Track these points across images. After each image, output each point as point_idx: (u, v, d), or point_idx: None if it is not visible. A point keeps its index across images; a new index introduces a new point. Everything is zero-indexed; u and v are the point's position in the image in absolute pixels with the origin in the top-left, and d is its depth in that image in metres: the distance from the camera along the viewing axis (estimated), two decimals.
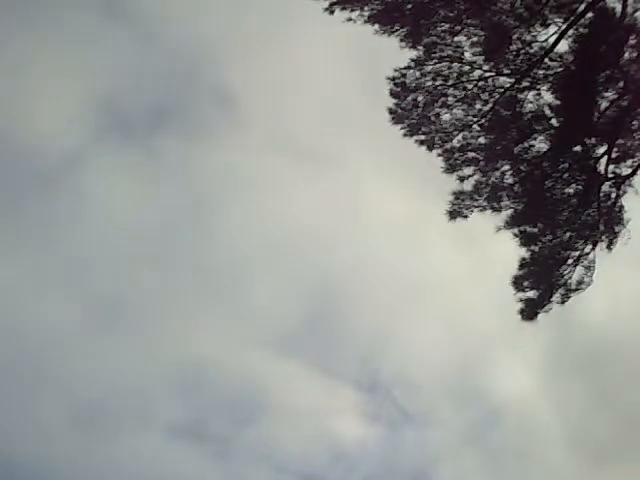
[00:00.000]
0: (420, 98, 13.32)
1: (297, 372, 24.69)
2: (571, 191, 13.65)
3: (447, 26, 12.98)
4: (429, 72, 13.20)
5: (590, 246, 13.80)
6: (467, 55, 13.09)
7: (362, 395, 25.30)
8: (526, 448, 24.62)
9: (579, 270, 13.91)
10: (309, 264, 25.09)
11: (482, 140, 13.61)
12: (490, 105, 13.32)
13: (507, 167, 13.66)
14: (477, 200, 13.71)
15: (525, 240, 13.79)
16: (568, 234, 13.85)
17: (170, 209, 23.91)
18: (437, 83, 13.25)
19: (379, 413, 25.32)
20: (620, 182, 13.41)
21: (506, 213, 13.72)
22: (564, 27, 12.65)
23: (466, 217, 13.71)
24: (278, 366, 24.53)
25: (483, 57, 13.05)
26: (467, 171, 13.67)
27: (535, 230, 13.87)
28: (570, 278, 13.91)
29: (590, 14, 12.51)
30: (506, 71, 13.13)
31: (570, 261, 13.89)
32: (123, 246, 23.16)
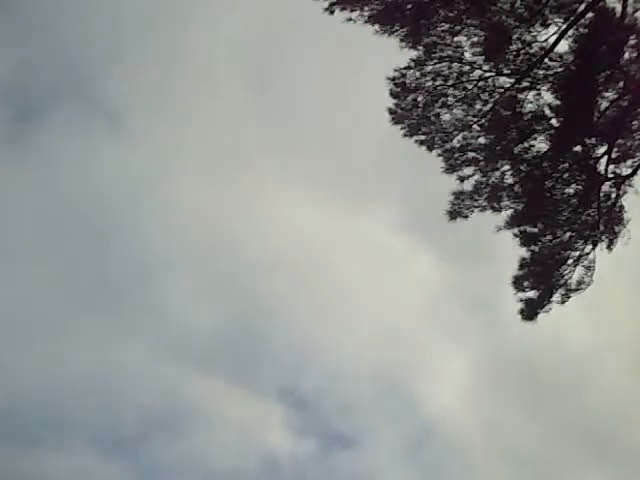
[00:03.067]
0: (420, 98, 13.32)
1: (220, 387, 24.42)
2: (571, 191, 13.66)
3: (447, 26, 12.98)
4: (429, 72, 13.20)
5: (590, 246, 13.81)
6: (467, 55, 13.10)
7: (290, 410, 25.01)
8: (460, 463, 24.56)
9: (579, 270, 13.93)
10: (228, 279, 24.99)
11: (482, 140, 13.61)
12: (490, 105, 13.32)
13: (507, 167, 13.66)
14: (477, 200, 13.72)
15: (525, 240, 13.79)
16: (568, 234, 13.85)
17: (68, 217, 23.59)
18: (437, 83, 13.25)
19: (308, 428, 25.10)
20: (620, 182, 13.42)
21: (506, 213, 13.74)
22: (564, 27, 12.65)
23: (466, 217, 13.71)
24: (201, 381, 24.27)
25: (483, 57, 13.05)
26: (467, 171, 13.69)
27: (535, 230, 13.87)
28: (570, 278, 13.91)
29: (590, 14, 12.51)
30: (506, 71, 13.12)
31: (570, 261, 13.89)
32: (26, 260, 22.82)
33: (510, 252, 21.65)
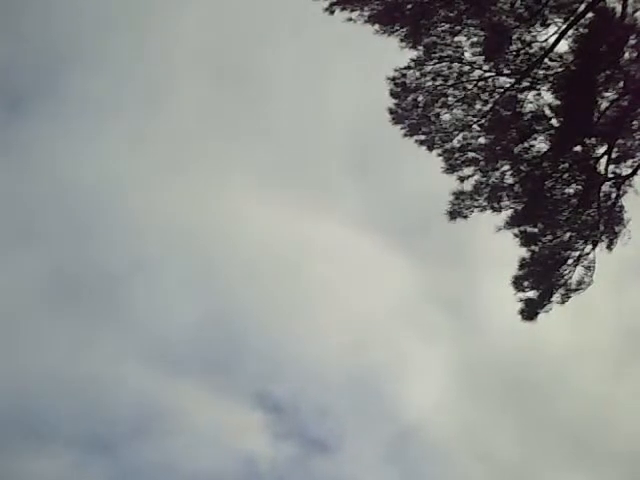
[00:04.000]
0: (420, 98, 13.32)
1: (196, 391, 24.18)
2: (571, 191, 13.65)
3: (447, 26, 12.98)
4: (429, 72, 13.19)
5: (590, 246, 13.80)
6: (467, 55, 13.10)
7: (267, 415, 24.86)
8: (439, 466, 24.41)
9: (579, 270, 13.92)
10: (200, 282, 24.78)
11: (482, 140, 13.61)
12: (490, 105, 13.31)
13: (507, 167, 13.65)
14: (477, 200, 13.71)
15: (525, 240, 13.79)
16: (568, 234, 13.84)
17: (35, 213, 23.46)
18: (437, 83, 13.25)
19: (286, 433, 24.92)
20: (620, 182, 13.41)
21: (506, 213, 13.73)
22: (564, 27, 12.65)
23: (466, 217, 13.71)
24: (176, 385, 24.03)
25: (483, 57, 13.05)
26: (467, 171, 13.67)
27: (535, 230, 13.87)
28: (570, 278, 13.91)
29: (590, 14, 12.50)
30: (506, 71, 13.12)
31: (570, 261, 13.89)
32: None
33: (487, 254, 21.77)
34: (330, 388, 25.00)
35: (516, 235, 13.74)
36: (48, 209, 23.58)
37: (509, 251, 20.12)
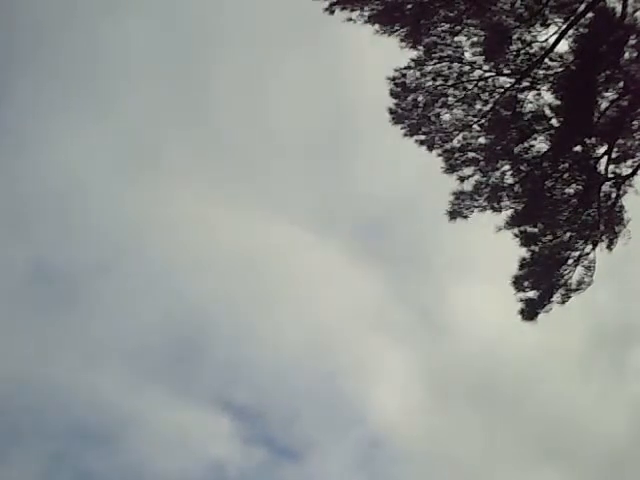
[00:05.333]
0: (420, 98, 13.32)
1: (160, 398, 24.03)
2: (571, 191, 13.65)
3: (447, 26, 12.98)
4: (429, 72, 13.19)
5: (590, 246, 13.80)
6: (467, 55, 13.10)
7: (233, 422, 24.74)
8: (409, 472, 24.34)
9: (579, 270, 13.91)
10: (163, 287, 24.55)
11: (482, 140, 13.61)
12: (490, 105, 13.31)
13: (507, 167, 13.65)
14: (477, 200, 13.71)
15: (525, 240, 13.79)
16: (568, 234, 13.84)
17: None
18: (437, 83, 13.25)
19: (254, 440, 24.78)
20: (620, 182, 13.41)
21: (506, 213, 13.73)
22: (564, 27, 12.65)
23: (466, 217, 13.71)
24: (140, 392, 23.86)
25: (483, 57, 13.05)
26: (467, 171, 13.67)
27: (535, 230, 13.86)
28: (570, 278, 13.90)
29: (590, 14, 12.50)
30: (506, 71, 13.12)
31: (570, 261, 13.89)
32: None
33: (452, 256, 21.72)
34: (296, 393, 24.90)
35: (516, 235, 13.74)
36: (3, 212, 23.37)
37: (475, 254, 20.23)
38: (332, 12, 12.96)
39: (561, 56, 12.86)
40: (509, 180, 13.69)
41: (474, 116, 13.40)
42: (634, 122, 13.13)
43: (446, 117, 13.46)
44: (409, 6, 12.99)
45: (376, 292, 24.69)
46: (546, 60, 12.92)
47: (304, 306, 24.92)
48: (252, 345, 24.62)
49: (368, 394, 25.10)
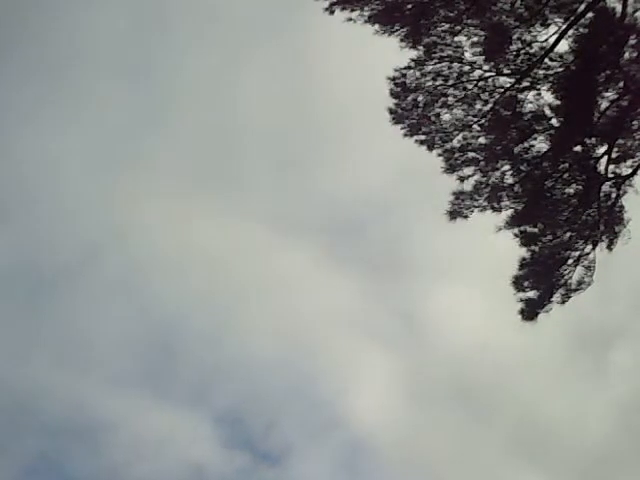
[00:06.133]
0: (420, 98, 13.32)
1: (137, 401, 23.97)
2: (571, 191, 13.65)
3: (447, 26, 12.98)
4: (429, 72, 13.20)
5: (590, 246, 13.79)
6: (467, 55, 13.10)
7: (213, 425, 24.67)
8: (390, 475, 24.26)
9: (579, 270, 13.91)
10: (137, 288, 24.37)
11: (482, 140, 13.60)
12: (490, 105, 13.31)
13: (507, 167, 13.65)
14: (477, 200, 13.71)
15: (525, 240, 13.78)
16: (568, 234, 13.84)
17: None
18: (437, 83, 13.25)
19: (234, 443, 24.72)
20: (620, 182, 13.40)
21: (506, 213, 13.73)
22: (564, 27, 12.64)
23: (466, 217, 13.70)
24: (118, 395, 23.78)
25: (483, 57, 13.05)
26: (467, 171, 13.67)
27: (535, 230, 13.86)
28: (570, 278, 13.90)
29: (590, 14, 12.50)
30: (506, 71, 13.12)
31: (570, 261, 13.88)
32: None
33: (432, 260, 21.68)
34: (276, 397, 24.83)
35: (516, 235, 13.73)
36: None
37: (456, 255, 20.21)
38: (332, 12, 12.98)
39: (561, 56, 12.85)
40: (509, 180, 13.69)
41: (474, 116, 13.40)
42: (634, 122, 13.12)
43: (446, 117, 13.47)
44: (409, 6, 13.00)
45: (355, 295, 24.68)
46: (546, 60, 12.92)
47: (282, 309, 24.88)
48: (230, 348, 24.59)
49: (348, 397, 25.08)
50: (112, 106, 23.00)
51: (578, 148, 13.49)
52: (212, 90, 22.61)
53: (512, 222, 13.66)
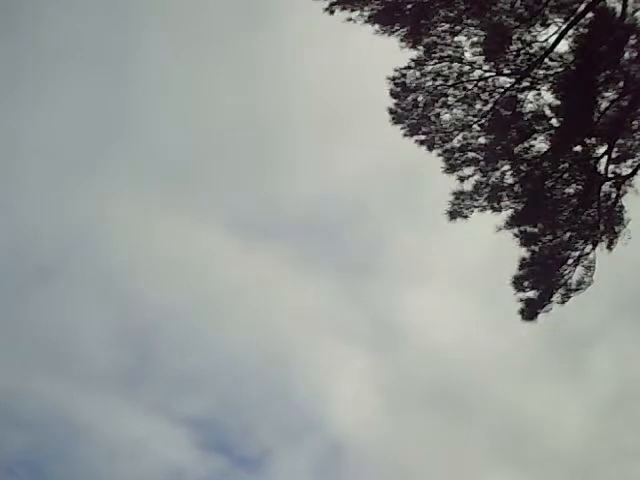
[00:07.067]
0: (420, 98, 13.32)
1: (113, 406, 23.79)
2: (571, 191, 13.65)
3: (447, 26, 12.98)
4: (429, 72, 13.19)
5: (590, 246, 13.79)
6: (467, 55, 13.10)
7: (189, 429, 24.50)
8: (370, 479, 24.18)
9: (579, 270, 13.91)
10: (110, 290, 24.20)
11: (482, 140, 13.60)
12: (490, 105, 13.31)
13: (507, 167, 13.65)
14: (477, 200, 13.71)
15: (525, 240, 13.78)
16: (568, 234, 13.84)
17: None
18: (437, 83, 13.25)
19: (212, 447, 24.64)
20: (620, 182, 13.40)
21: (506, 213, 13.73)
22: (564, 27, 12.64)
23: (466, 217, 13.70)
24: (93, 399, 23.59)
25: (483, 57, 13.05)
26: (467, 171, 13.67)
27: (535, 230, 13.86)
28: (570, 278, 13.90)
29: (590, 14, 12.50)
30: (506, 71, 13.12)
31: (570, 261, 13.88)
32: None
33: (408, 262, 21.59)
34: (252, 400, 24.75)
35: (516, 235, 13.73)
36: None
37: (429, 257, 20.18)
38: (332, 12, 12.97)
39: (561, 56, 12.85)
40: (509, 180, 13.69)
41: (474, 116, 13.40)
42: (634, 122, 13.12)
43: (446, 117, 13.47)
44: (409, 6, 13.00)
45: (331, 296, 24.64)
46: (546, 60, 12.91)
47: (257, 312, 24.79)
48: (204, 353, 24.51)
49: (325, 400, 25.02)
50: (81, 105, 22.92)
51: (578, 148, 13.49)
52: (185, 89, 22.57)
53: (512, 222, 13.66)
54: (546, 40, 12.81)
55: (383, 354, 24.72)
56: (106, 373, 24.17)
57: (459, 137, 13.52)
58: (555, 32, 12.72)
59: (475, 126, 13.45)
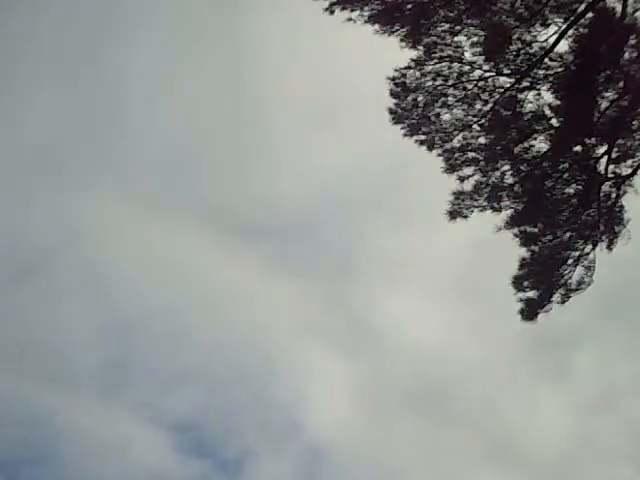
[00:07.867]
0: (420, 98, 13.32)
1: (94, 408, 23.64)
2: (571, 191, 13.65)
3: (447, 26, 12.98)
4: (429, 72, 13.20)
5: (590, 246, 13.79)
6: (467, 55, 13.10)
7: (171, 432, 24.40)
8: None
9: (579, 270, 13.91)
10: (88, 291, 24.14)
11: (482, 140, 13.60)
12: (490, 105, 13.31)
13: (507, 167, 13.65)
14: (477, 200, 13.71)
15: (525, 240, 13.78)
16: (568, 234, 13.84)
17: None
18: (437, 83, 13.25)
19: (193, 451, 24.45)
20: (620, 182, 13.41)
21: (506, 213, 13.73)
22: (564, 27, 12.64)
23: (466, 217, 13.71)
24: (74, 402, 23.43)
25: (483, 57, 13.05)
26: (467, 171, 13.67)
27: (535, 230, 13.86)
28: (570, 278, 13.90)
29: (590, 14, 12.50)
30: (506, 71, 13.12)
31: (570, 261, 13.88)
32: None
33: (387, 265, 21.53)
34: (232, 404, 24.67)
35: (516, 235, 13.73)
36: None
37: (409, 259, 20.12)
38: (332, 12, 12.98)
39: (561, 56, 12.85)
40: (509, 180, 13.69)
41: (474, 116, 13.40)
42: (634, 122, 13.12)
43: (446, 117, 13.47)
44: (409, 6, 13.00)
45: (310, 299, 24.60)
46: (546, 60, 12.92)
47: (235, 314, 24.73)
48: (187, 355, 24.47)
49: (306, 403, 24.98)
50: (70, 104, 22.91)
51: (578, 148, 13.50)
52: (171, 89, 22.56)
53: (512, 222, 13.67)
54: (546, 40, 12.82)
55: (364, 356, 24.73)
56: (88, 373, 24.15)
57: (459, 137, 13.53)
58: (555, 32, 12.73)
59: (475, 126, 13.46)
